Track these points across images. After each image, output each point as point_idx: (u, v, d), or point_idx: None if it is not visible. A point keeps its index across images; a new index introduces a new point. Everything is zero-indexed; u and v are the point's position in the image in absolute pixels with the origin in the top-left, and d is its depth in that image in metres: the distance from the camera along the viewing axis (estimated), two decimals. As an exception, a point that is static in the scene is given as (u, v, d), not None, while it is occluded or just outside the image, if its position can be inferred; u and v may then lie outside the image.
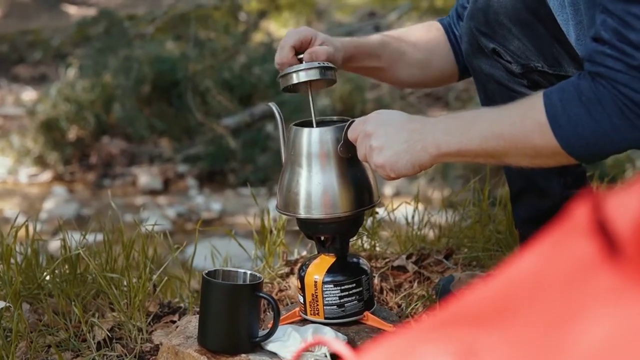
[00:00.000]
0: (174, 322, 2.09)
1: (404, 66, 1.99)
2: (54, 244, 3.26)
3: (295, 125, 1.87)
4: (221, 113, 7.30)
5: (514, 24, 1.85)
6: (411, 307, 2.06)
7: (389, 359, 0.59)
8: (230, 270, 1.79)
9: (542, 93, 1.50)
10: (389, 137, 1.63)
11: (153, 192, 6.98)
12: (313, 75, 1.83)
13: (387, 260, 2.31)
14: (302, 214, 1.83)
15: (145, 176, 7.08)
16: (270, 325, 1.79)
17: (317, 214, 1.82)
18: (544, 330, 0.45)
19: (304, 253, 2.38)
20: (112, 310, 2.09)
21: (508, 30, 1.85)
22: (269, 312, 2.03)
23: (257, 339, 1.73)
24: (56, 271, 2.12)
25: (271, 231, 2.34)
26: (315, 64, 1.83)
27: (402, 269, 2.26)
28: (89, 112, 6.99)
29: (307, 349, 1.65)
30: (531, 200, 1.98)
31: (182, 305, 2.18)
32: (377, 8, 8.76)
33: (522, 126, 1.50)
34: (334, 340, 0.80)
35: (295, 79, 1.83)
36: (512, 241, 2.27)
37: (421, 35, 2.01)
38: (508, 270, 0.58)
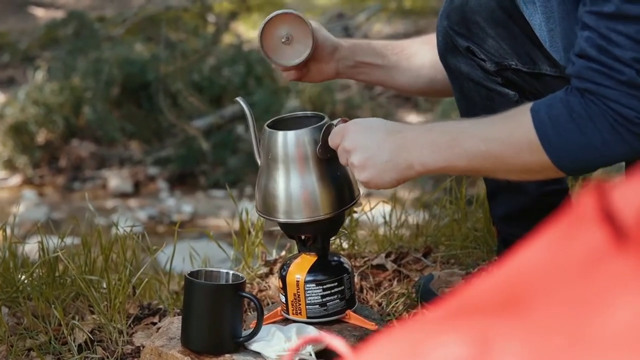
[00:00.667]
0: (154, 323, 2.08)
1: (412, 68, 1.97)
2: (28, 248, 3.23)
3: (269, 126, 1.86)
4: (191, 115, 7.28)
5: (488, 23, 1.86)
6: (392, 306, 2.07)
7: (395, 353, 0.59)
8: (213, 270, 1.79)
9: (528, 109, 1.52)
10: (370, 153, 1.62)
11: (124, 195, 6.94)
12: (279, 12, 1.86)
13: (366, 259, 2.32)
14: (282, 218, 1.83)
15: (116, 179, 7.04)
16: (252, 325, 1.80)
17: (298, 218, 1.81)
18: (566, 317, 0.46)
19: (283, 253, 2.39)
20: (92, 312, 2.08)
21: (482, 30, 1.87)
22: (250, 312, 2.03)
23: (241, 339, 1.73)
24: (34, 274, 2.11)
25: (249, 232, 2.34)
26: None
27: (382, 267, 2.27)
28: (58, 115, 6.94)
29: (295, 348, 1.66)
30: (508, 197, 1.99)
31: (161, 307, 2.17)
32: (346, 9, 8.77)
33: (510, 144, 1.52)
34: (332, 337, 0.81)
35: (268, 17, 1.85)
36: (490, 238, 2.28)
37: (429, 39, 2.00)
38: (512, 261, 0.59)
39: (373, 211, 2.47)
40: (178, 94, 7.22)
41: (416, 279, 2.19)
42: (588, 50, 1.46)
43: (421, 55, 1.99)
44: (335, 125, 1.76)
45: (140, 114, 7.27)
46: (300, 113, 1.95)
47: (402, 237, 2.45)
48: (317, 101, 7.53)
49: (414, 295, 2.09)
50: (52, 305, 2.00)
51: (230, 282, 1.77)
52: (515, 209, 1.98)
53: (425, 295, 2.04)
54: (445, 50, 1.93)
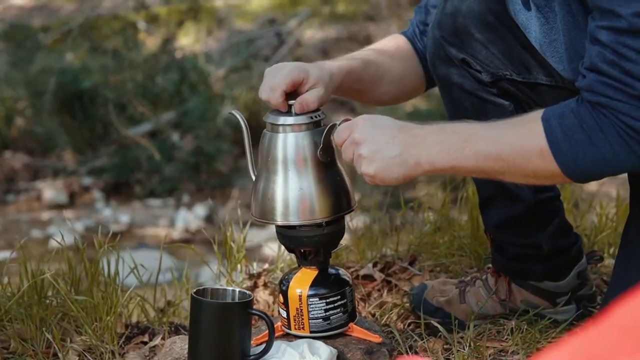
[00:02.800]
0: (145, 343, 2.04)
1: (383, 85, 1.96)
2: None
3: (269, 130, 1.83)
4: (127, 123, 7.17)
5: (481, 32, 1.87)
6: (387, 316, 2.06)
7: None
8: (219, 288, 1.76)
9: (539, 117, 1.54)
10: (379, 147, 1.62)
11: (59, 206, 6.81)
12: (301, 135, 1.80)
13: (351, 269, 2.30)
14: (280, 220, 1.80)
15: (50, 190, 6.91)
16: (254, 343, 1.77)
17: (295, 220, 1.79)
18: None
19: (266, 266, 2.36)
20: (79, 333, 2.02)
21: (476, 40, 1.87)
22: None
23: (251, 357, 1.70)
24: (16, 295, 2.04)
25: (231, 247, 2.30)
26: (304, 118, 1.79)
27: (369, 277, 2.26)
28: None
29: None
30: (502, 205, 2.00)
31: (149, 325, 2.12)
32: (278, 15, 8.72)
33: (521, 149, 1.54)
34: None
35: (281, 130, 1.81)
36: (477, 246, 2.29)
37: (394, 50, 1.98)
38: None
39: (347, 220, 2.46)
40: (111, 103, 7.10)
41: (405, 288, 2.18)
42: (599, 65, 1.49)
43: (391, 65, 1.99)
44: (339, 125, 1.73)
45: (73, 124, 7.13)
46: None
47: (384, 245, 2.44)
48: (253, 107, 7.48)
49: (408, 305, 2.09)
50: (43, 328, 1.94)
51: (237, 300, 1.74)
52: (510, 217, 1.99)
53: (423, 306, 2.03)
54: (436, 60, 1.93)
